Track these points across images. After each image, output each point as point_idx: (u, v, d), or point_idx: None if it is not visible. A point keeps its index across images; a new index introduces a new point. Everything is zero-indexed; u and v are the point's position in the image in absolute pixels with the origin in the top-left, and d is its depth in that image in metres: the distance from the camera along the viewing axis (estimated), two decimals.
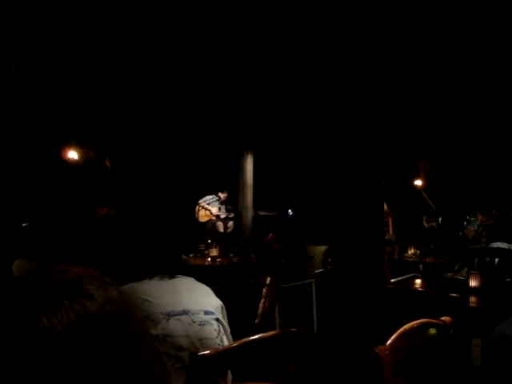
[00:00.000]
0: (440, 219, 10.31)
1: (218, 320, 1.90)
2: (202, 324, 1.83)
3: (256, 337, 1.70)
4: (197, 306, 1.87)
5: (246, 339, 1.79)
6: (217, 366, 1.52)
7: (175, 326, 1.77)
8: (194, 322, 1.82)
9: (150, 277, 1.93)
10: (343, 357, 3.27)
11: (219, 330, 1.88)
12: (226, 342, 1.88)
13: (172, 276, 1.95)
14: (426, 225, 10.20)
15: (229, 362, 1.60)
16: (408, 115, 7.34)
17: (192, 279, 2.01)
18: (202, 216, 9.71)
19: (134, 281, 1.91)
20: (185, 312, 1.82)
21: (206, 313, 1.87)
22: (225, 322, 1.95)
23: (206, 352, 1.51)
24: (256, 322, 3.40)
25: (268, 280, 3.58)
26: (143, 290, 1.85)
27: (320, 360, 3.36)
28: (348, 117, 3.42)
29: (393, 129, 6.66)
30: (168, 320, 1.77)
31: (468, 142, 9.18)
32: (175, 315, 1.79)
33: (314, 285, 5.57)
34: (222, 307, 1.98)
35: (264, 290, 3.58)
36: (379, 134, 3.43)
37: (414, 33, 5.06)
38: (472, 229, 8.77)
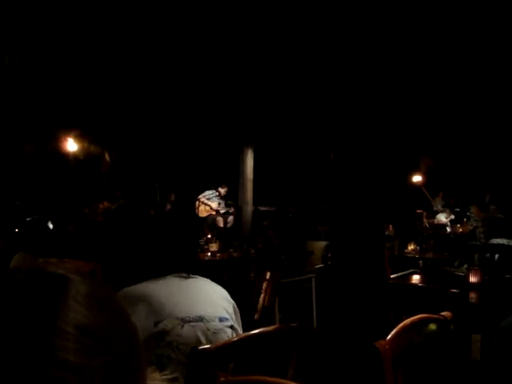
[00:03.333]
0: (452, 216, 10.31)
1: (232, 327, 1.87)
2: (216, 332, 1.80)
3: (256, 331, 1.70)
4: (212, 311, 1.84)
5: (246, 334, 1.79)
6: (217, 360, 1.53)
7: (189, 334, 1.73)
8: (209, 330, 1.79)
9: (165, 275, 1.88)
10: (343, 352, 3.27)
11: None
12: None
13: (188, 276, 1.91)
14: (425, 221, 10.19)
15: (229, 356, 1.60)
16: (409, 111, 7.33)
17: (208, 280, 1.97)
18: (202, 211, 9.72)
19: (148, 279, 1.87)
20: (200, 318, 1.79)
21: (221, 319, 1.84)
22: (238, 327, 1.92)
23: (206, 346, 1.51)
24: (256, 316, 3.41)
25: (268, 275, 3.59)
26: (158, 290, 1.81)
27: (320, 355, 3.37)
28: (349, 113, 3.41)
29: (394, 125, 6.65)
30: (182, 326, 1.74)
31: (468, 137, 9.17)
32: (190, 321, 1.76)
33: (313, 280, 5.58)
34: (235, 311, 1.96)
35: (264, 285, 3.58)
36: (380, 130, 3.42)
37: (415, 31, 5.05)
38: (470, 224, 8.78)
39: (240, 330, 1.93)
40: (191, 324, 1.75)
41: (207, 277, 2.01)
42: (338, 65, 3.45)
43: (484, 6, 4.72)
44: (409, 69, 5.87)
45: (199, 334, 1.76)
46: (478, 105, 7.42)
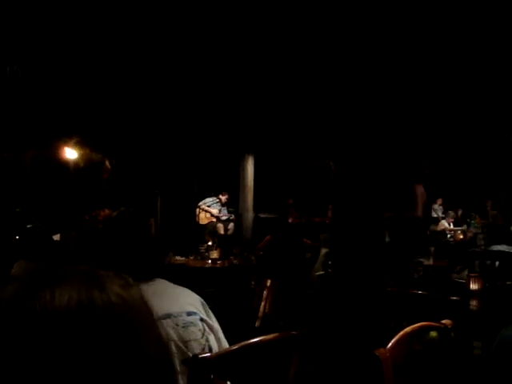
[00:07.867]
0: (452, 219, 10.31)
1: (202, 320, 1.88)
2: (186, 326, 1.81)
3: (256, 339, 1.70)
4: (179, 307, 1.85)
5: (247, 342, 1.79)
6: (217, 369, 1.52)
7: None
8: (178, 325, 1.80)
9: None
10: (344, 359, 3.26)
11: (204, 330, 1.86)
12: (212, 341, 1.86)
13: (150, 279, 1.91)
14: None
15: (229, 365, 1.60)
16: (409, 118, 7.35)
17: (169, 282, 1.98)
18: (203, 218, 9.71)
19: None
20: (167, 315, 1.80)
21: (189, 314, 1.85)
22: (209, 320, 1.92)
23: (206, 355, 1.51)
24: (256, 324, 3.41)
25: (268, 282, 3.59)
26: None
27: (320, 363, 3.36)
28: (349, 120, 3.42)
29: (394, 132, 6.67)
30: None
31: (468, 144, 9.18)
32: (158, 319, 1.75)
33: (314, 287, 5.57)
34: (203, 304, 1.96)
35: (264, 293, 3.59)
36: (380, 137, 3.43)
37: (415, 36, 5.06)
38: (472, 231, 8.77)
39: (213, 323, 1.93)
40: (160, 322, 1.75)
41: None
42: (339, 72, 3.47)
43: (484, 9, 4.73)
44: (408, 75, 5.89)
45: (169, 330, 1.76)
46: (479, 111, 7.44)
